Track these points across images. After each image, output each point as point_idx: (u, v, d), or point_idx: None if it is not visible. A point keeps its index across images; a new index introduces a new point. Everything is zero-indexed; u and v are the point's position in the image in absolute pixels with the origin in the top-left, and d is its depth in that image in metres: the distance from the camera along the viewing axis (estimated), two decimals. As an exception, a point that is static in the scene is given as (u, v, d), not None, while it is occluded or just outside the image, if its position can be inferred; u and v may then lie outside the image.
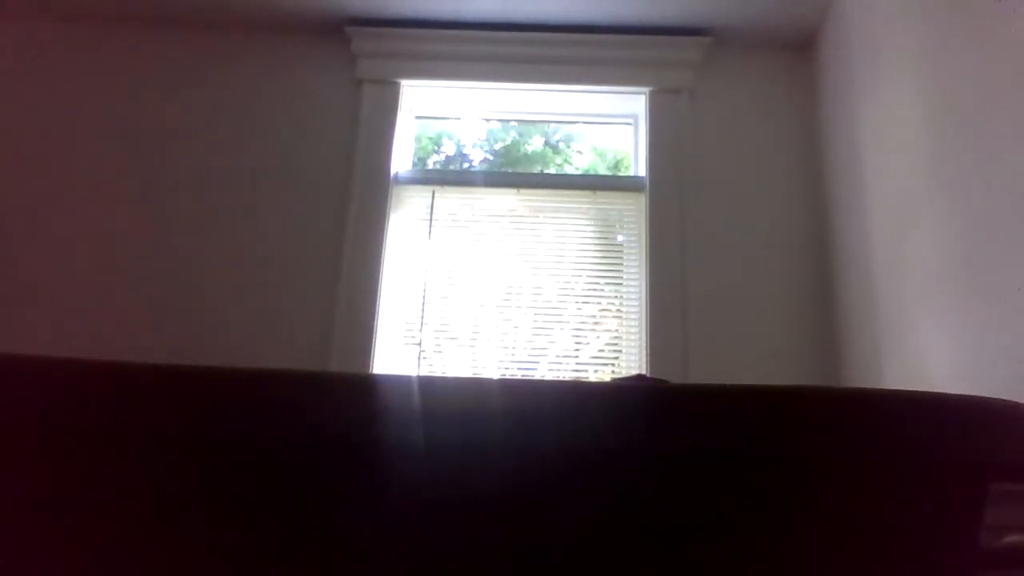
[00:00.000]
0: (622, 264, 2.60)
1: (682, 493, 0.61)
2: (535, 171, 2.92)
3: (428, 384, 0.64)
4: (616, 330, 2.54)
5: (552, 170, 2.94)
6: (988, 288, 1.58)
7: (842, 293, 2.36)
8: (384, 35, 2.70)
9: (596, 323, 2.55)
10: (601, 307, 2.58)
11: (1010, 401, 0.66)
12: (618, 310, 2.56)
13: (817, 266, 2.50)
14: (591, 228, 2.63)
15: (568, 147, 2.99)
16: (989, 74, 1.60)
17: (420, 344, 2.50)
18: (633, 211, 2.64)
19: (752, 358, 2.40)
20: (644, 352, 2.43)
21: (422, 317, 2.52)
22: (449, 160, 2.95)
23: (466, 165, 2.94)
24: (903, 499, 0.62)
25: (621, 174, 2.84)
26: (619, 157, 2.90)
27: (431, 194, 2.66)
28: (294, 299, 2.48)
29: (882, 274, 2.09)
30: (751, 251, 2.52)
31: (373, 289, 2.46)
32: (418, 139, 2.89)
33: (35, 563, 0.61)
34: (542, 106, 2.84)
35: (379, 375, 0.61)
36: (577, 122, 2.93)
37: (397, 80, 2.70)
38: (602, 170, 2.93)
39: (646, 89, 2.70)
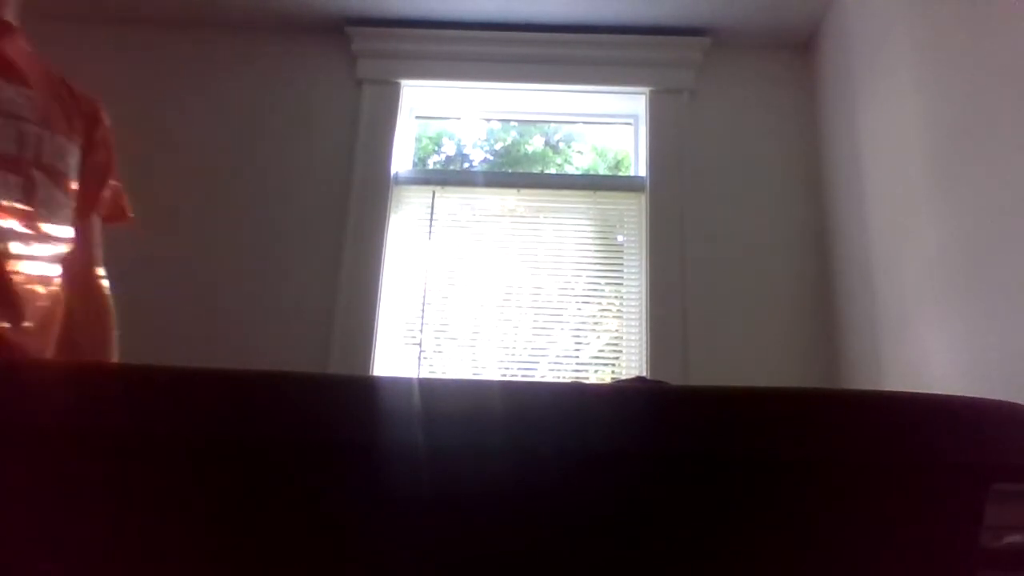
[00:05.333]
0: (622, 264, 2.60)
1: (682, 496, 0.61)
2: (535, 171, 2.92)
3: (428, 386, 0.64)
4: (616, 330, 2.54)
5: (552, 170, 2.94)
6: (988, 287, 1.58)
7: (842, 293, 2.36)
8: (384, 35, 2.70)
9: (596, 323, 2.56)
10: (601, 307, 2.58)
11: (1010, 402, 0.66)
12: (618, 310, 2.56)
13: (817, 266, 2.50)
14: (591, 228, 2.63)
15: (568, 147, 2.99)
16: (989, 74, 1.60)
17: (420, 344, 2.50)
18: (633, 211, 2.63)
19: (752, 358, 2.40)
20: (644, 352, 2.43)
21: (422, 317, 2.52)
22: (449, 160, 2.95)
23: (466, 165, 2.94)
24: (904, 501, 0.62)
25: (621, 174, 2.84)
26: (619, 157, 2.90)
27: (431, 194, 2.66)
28: (294, 299, 2.48)
29: (882, 273, 2.09)
30: (751, 251, 2.52)
31: (373, 289, 2.46)
32: (418, 139, 2.89)
33: (35, 564, 0.61)
34: (542, 106, 2.84)
35: (380, 377, 0.61)
36: (577, 122, 2.93)
37: (397, 80, 2.70)
38: (602, 170, 2.93)
39: (646, 89, 2.70)
